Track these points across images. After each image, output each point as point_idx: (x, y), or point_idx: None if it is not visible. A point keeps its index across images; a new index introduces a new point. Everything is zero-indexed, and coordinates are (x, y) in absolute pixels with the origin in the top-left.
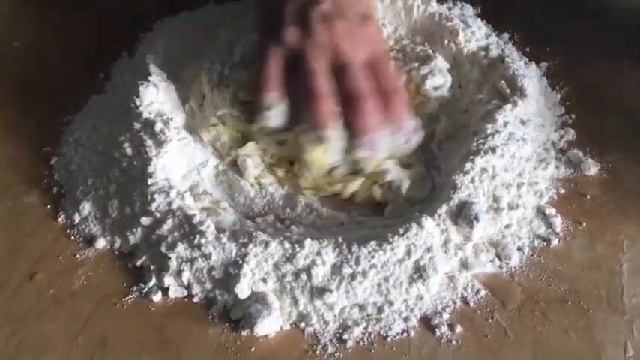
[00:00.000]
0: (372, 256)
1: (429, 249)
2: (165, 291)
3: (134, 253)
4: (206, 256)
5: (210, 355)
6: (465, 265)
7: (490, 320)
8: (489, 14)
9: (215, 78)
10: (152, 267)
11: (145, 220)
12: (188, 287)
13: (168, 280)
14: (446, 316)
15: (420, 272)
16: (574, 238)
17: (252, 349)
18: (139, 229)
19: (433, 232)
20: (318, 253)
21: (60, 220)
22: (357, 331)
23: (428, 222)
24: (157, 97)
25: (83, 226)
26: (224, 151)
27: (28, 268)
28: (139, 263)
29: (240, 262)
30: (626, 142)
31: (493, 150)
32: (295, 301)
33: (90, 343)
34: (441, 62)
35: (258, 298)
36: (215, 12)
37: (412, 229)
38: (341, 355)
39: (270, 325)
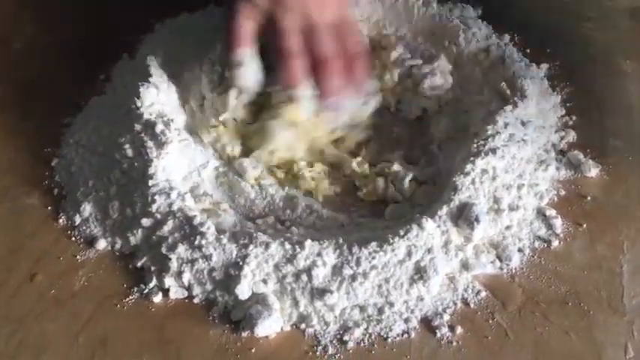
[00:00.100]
0: (373, 258)
1: (429, 250)
2: (165, 292)
3: (135, 254)
4: (207, 258)
5: (210, 356)
6: (465, 266)
7: (491, 321)
8: (490, 15)
9: (215, 79)
10: (153, 268)
11: (146, 222)
12: (188, 288)
13: (168, 281)
14: (446, 317)
15: (420, 273)
16: (574, 239)
17: (253, 350)
18: (140, 231)
19: (434, 233)
20: (319, 255)
21: (60, 221)
22: (358, 333)
23: (428, 223)
24: (157, 98)
25: (84, 227)
26: (223, 154)
27: (29, 269)
28: (139, 264)
29: (241, 263)
30: (626, 143)
31: (494, 151)
32: (296, 303)
33: (90, 344)
34: (444, 63)
35: (258, 299)
36: (215, 14)
37: (413, 231)
38: (341, 357)
39: (270, 326)
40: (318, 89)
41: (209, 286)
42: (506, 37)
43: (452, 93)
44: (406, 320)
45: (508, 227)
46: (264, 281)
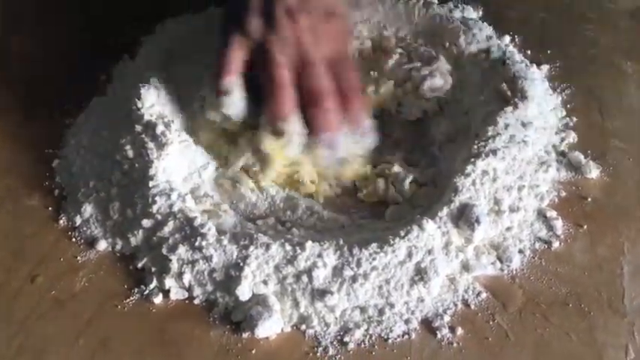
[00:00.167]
0: (373, 259)
1: (429, 251)
2: (166, 293)
3: (135, 255)
4: (207, 259)
5: (211, 357)
6: (465, 267)
7: (491, 323)
8: (491, 17)
9: None
10: (153, 269)
11: (146, 223)
12: (189, 289)
13: (169, 282)
14: (447, 318)
15: (421, 274)
16: (575, 240)
17: (253, 352)
18: (140, 232)
19: (434, 234)
20: (319, 256)
21: (61, 222)
22: (358, 334)
23: (429, 224)
24: (158, 99)
25: (84, 229)
26: (220, 156)
27: (29, 270)
28: (140, 265)
29: (242, 264)
30: (627, 144)
31: (494, 152)
32: (296, 304)
33: (91, 346)
34: (443, 64)
35: (259, 300)
36: (216, 15)
37: (413, 232)
38: (342, 358)
39: (271, 327)
40: (311, 125)
41: (209, 287)
42: (507, 38)
43: (452, 94)
44: (407, 321)
45: (509, 228)
46: (265, 282)
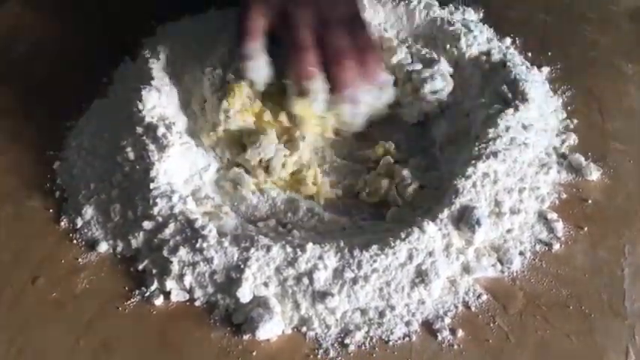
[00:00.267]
0: (374, 261)
1: (430, 253)
2: (167, 295)
3: (136, 257)
4: (208, 261)
5: (211, 359)
6: (466, 269)
7: (492, 325)
8: (491, 19)
9: (217, 82)
10: (154, 271)
11: (147, 224)
12: (190, 291)
13: (170, 284)
14: (447, 320)
15: (421, 277)
16: (576, 242)
17: (254, 354)
18: (141, 233)
19: (435, 236)
20: (320, 258)
21: (62, 224)
22: (359, 336)
23: (430, 226)
24: (159, 101)
25: (85, 230)
26: (223, 157)
27: (30, 272)
28: (141, 267)
29: (242, 266)
30: (627, 146)
31: (495, 154)
32: (297, 306)
33: (92, 347)
34: (444, 66)
35: (259, 302)
36: (217, 17)
37: (414, 234)
38: None
39: (271, 329)
40: (333, 83)
41: (210, 289)
42: (508, 41)
43: (453, 96)
44: (407, 323)
45: (509, 230)
46: (266, 284)
